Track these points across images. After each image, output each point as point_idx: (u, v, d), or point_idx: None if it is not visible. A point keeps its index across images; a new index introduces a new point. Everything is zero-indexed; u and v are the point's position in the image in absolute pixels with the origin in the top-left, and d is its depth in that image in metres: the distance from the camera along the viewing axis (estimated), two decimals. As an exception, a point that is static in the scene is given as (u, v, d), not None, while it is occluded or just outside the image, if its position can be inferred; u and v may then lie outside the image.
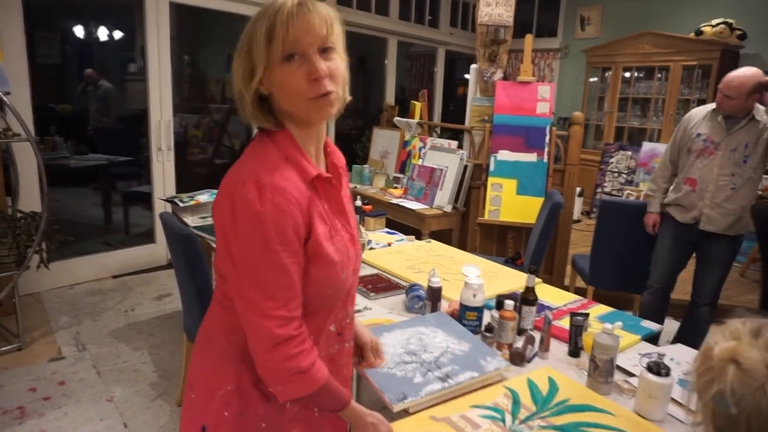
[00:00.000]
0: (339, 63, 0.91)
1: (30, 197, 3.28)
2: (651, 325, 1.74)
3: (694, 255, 2.84)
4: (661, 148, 5.04)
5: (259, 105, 0.92)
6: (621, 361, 1.44)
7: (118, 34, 5.27)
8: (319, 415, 1.06)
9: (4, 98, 2.69)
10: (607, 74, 6.26)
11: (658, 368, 1.22)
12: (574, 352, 1.52)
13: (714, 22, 5.27)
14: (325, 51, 0.89)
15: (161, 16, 3.91)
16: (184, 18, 4.35)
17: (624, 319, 1.76)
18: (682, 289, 3.08)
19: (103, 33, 5.19)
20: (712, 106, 2.67)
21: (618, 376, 1.39)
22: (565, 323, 1.63)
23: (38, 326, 3.13)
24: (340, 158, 1.07)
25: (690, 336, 2.69)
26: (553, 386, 1.33)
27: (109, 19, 5.09)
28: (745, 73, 2.45)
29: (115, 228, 4.82)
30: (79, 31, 5.13)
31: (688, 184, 2.70)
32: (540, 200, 3.54)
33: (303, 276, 0.92)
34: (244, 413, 0.97)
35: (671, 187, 2.86)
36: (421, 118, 4.74)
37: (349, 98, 0.97)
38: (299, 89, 0.88)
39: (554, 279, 3.72)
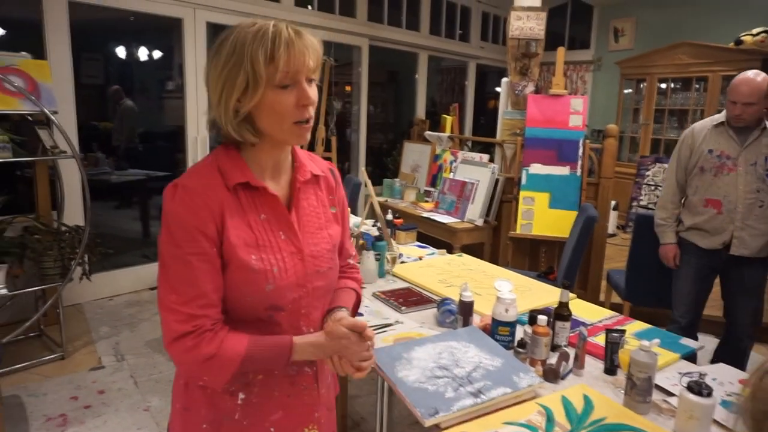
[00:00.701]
0: (316, 93, 0.97)
1: (74, 211, 3.41)
2: (690, 343, 1.69)
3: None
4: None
5: (241, 118, 0.96)
6: (659, 380, 1.40)
7: (157, 54, 5.48)
8: None
9: (52, 117, 2.82)
10: (641, 86, 6.15)
11: (699, 388, 1.18)
12: (611, 369, 1.48)
13: (755, 31, 5.14)
14: (310, 81, 0.95)
15: (199, 35, 4.04)
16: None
17: (662, 336, 1.71)
18: (712, 305, 2.93)
19: (143, 53, 5.41)
20: (716, 118, 2.54)
21: (656, 396, 1.35)
22: (600, 340, 1.59)
23: (80, 336, 3.24)
24: (305, 173, 1.06)
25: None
26: (589, 404, 1.30)
27: (150, 39, 5.30)
28: (756, 77, 2.39)
29: (153, 241, 4.95)
30: (121, 52, 5.35)
31: (711, 206, 2.50)
32: (573, 214, 3.48)
33: (223, 278, 0.94)
34: (189, 409, 1.01)
35: (682, 211, 2.67)
36: (452, 131, 4.75)
37: None
38: (287, 112, 0.93)
39: (588, 294, 3.64)
